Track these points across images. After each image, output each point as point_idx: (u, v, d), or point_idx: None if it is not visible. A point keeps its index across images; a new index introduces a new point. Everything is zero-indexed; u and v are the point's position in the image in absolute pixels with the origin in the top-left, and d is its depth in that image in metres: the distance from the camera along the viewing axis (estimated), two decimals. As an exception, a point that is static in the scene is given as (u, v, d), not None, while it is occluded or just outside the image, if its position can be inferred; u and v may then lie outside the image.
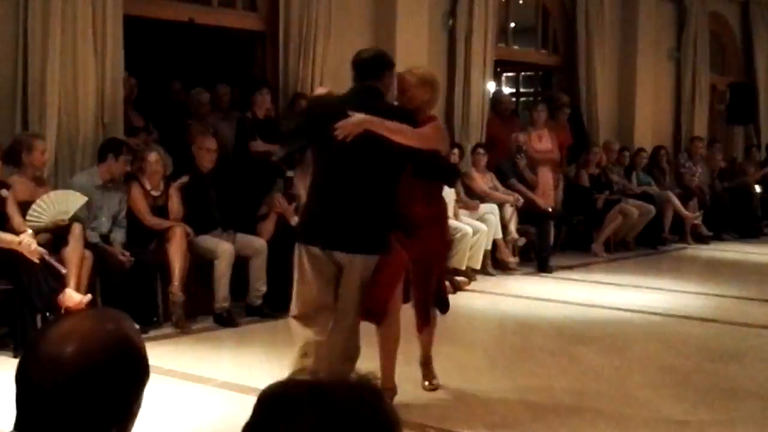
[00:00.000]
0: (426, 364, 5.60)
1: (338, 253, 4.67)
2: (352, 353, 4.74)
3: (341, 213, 4.66)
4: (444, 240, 5.55)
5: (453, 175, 5.34)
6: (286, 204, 7.81)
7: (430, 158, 4.87)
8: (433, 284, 5.33)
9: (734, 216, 13.86)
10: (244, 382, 5.46)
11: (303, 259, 4.75)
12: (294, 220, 7.77)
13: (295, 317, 4.85)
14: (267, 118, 8.37)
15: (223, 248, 7.21)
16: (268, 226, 7.74)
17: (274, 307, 7.43)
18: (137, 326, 6.43)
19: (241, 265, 7.38)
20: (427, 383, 5.54)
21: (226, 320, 7.14)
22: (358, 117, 4.60)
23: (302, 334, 4.78)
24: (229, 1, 8.83)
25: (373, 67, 4.88)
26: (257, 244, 7.47)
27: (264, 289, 7.43)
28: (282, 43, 8.75)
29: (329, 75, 9.02)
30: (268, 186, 7.99)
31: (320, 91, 5.18)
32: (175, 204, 7.29)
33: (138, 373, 1.67)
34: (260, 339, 6.76)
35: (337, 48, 9.19)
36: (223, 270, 7.16)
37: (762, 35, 16.60)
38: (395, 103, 5.09)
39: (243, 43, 9.92)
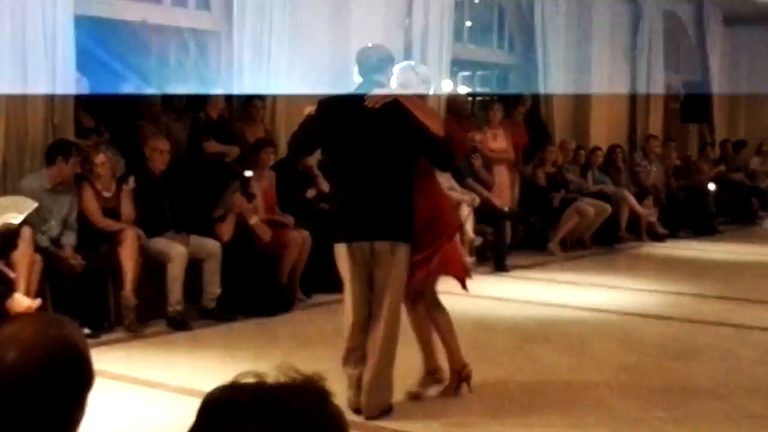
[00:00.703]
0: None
1: (379, 243, 4.90)
2: (396, 332, 5.02)
3: (373, 205, 4.90)
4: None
5: (450, 161, 5.34)
6: (246, 204, 7.72)
7: (436, 140, 5.02)
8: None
9: (689, 214, 13.99)
10: (198, 386, 5.37)
11: (344, 259, 4.98)
12: (254, 219, 7.71)
13: (350, 325, 5.08)
14: (221, 118, 8.29)
15: (176, 251, 7.11)
16: (228, 227, 7.65)
17: (229, 309, 7.37)
18: (87, 331, 6.35)
19: (194, 267, 7.29)
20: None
21: (179, 324, 7.04)
22: (387, 90, 4.94)
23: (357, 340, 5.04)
24: (182, 1, 8.73)
25: (377, 62, 5.14)
26: (211, 246, 7.38)
27: (218, 291, 7.35)
28: (236, 43, 8.66)
29: (284, 74, 8.95)
30: (222, 187, 7.90)
31: (309, 110, 5.22)
32: (126, 206, 7.18)
33: (81, 379, 1.64)
34: (214, 342, 6.68)
35: (292, 47, 9.13)
36: (176, 273, 7.07)
37: (715, 34, 16.79)
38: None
39: (196, 43, 9.79)
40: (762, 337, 7.13)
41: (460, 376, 5.37)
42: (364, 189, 4.93)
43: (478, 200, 10.23)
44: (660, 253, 12.24)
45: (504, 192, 10.70)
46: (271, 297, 7.62)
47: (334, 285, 8.47)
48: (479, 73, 14.10)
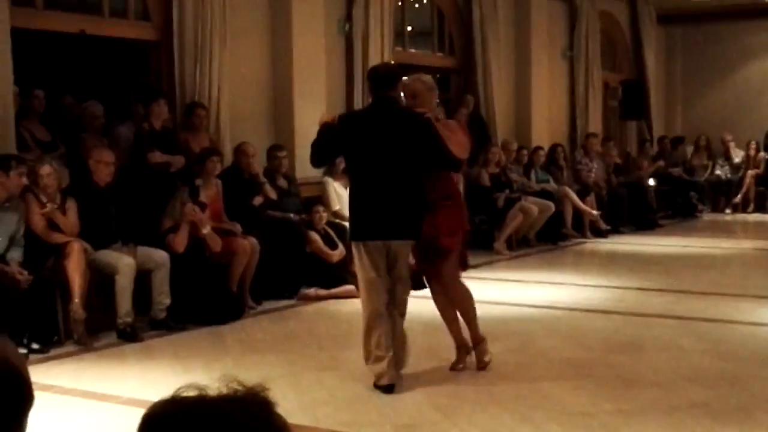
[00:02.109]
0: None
1: (395, 242, 5.52)
2: (401, 321, 5.71)
3: (390, 208, 5.49)
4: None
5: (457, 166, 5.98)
6: (200, 213, 7.71)
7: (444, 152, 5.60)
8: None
9: (631, 209, 14.23)
10: (150, 397, 5.33)
11: (363, 257, 5.53)
12: (207, 229, 7.70)
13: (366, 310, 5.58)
14: (164, 128, 8.27)
15: (123, 262, 7.09)
16: (181, 237, 7.62)
17: (179, 319, 7.37)
18: (36, 346, 6.28)
19: (143, 278, 7.27)
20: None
21: (129, 335, 7.02)
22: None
23: (371, 323, 5.55)
24: (121, 12, 8.69)
25: (388, 79, 5.68)
26: (158, 256, 7.37)
27: (168, 301, 7.34)
28: (177, 53, 8.65)
29: (227, 82, 8.96)
30: (168, 197, 7.88)
31: (327, 117, 5.88)
32: (70, 219, 7.13)
33: (20, 398, 1.59)
34: (165, 353, 6.67)
35: (233, 55, 9.14)
36: (124, 284, 7.04)
37: (650, 33, 17.09)
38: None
39: (137, 54, 9.76)
40: (704, 327, 7.30)
41: (480, 347, 6.05)
42: (383, 193, 5.50)
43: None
44: (603, 249, 12.44)
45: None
46: (221, 305, 7.62)
47: (284, 292, 8.56)
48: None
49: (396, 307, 5.66)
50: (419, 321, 7.77)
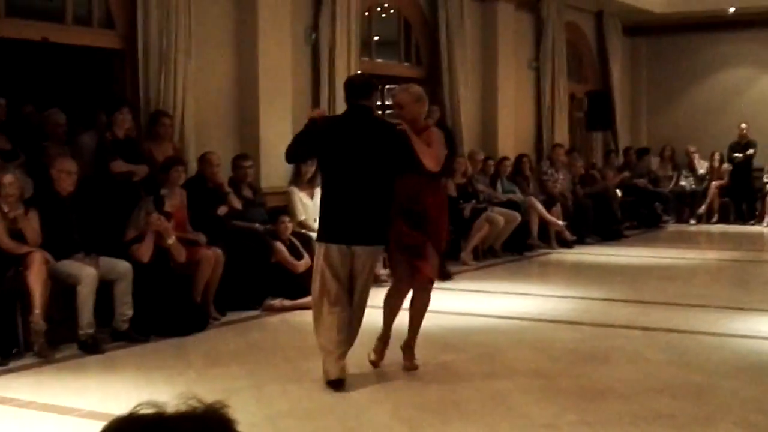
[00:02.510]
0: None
1: (358, 247, 5.72)
2: (358, 323, 5.94)
3: (356, 214, 5.70)
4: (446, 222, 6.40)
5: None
6: (166, 223, 7.63)
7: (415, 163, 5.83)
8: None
9: (596, 220, 14.29)
10: (112, 410, 5.29)
11: (324, 257, 5.77)
12: (172, 239, 7.62)
13: (318, 305, 5.84)
14: (128, 137, 8.18)
15: (85, 273, 6.99)
16: (147, 248, 7.53)
17: (142, 330, 7.28)
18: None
19: (105, 289, 7.17)
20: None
21: (91, 347, 6.91)
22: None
23: (322, 318, 5.81)
24: (85, 19, 8.60)
25: (363, 89, 5.95)
26: (121, 267, 7.27)
27: (130, 313, 7.25)
28: (141, 61, 8.57)
29: (192, 91, 8.89)
30: (131, 207, 7.79)
31: (317, 112, 6.21)
32: (32, 228, 7.02)
33: None
34: (128, 364, 6.58)
35: (199, 64, 9.08)
36: (86, 295, 6.94)
37: (615, 44, 17.21)
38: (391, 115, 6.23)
39: (101, 62, 9.67)
40: (669, 338, 7.32)
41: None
42: (351, 199, 5.72)
43: (389, 213, 10.27)
44: (569, 260, 12.47)
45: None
46: (185, 316, 7.54)
47: (249, 302, 8.49)
48: (387, 86, 14.17)
49: (354, 310, 5.87)
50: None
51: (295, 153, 6.13)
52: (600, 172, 15.62)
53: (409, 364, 6.26)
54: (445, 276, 6.42)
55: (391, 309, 6.27)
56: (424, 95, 6.20)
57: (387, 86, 14.25)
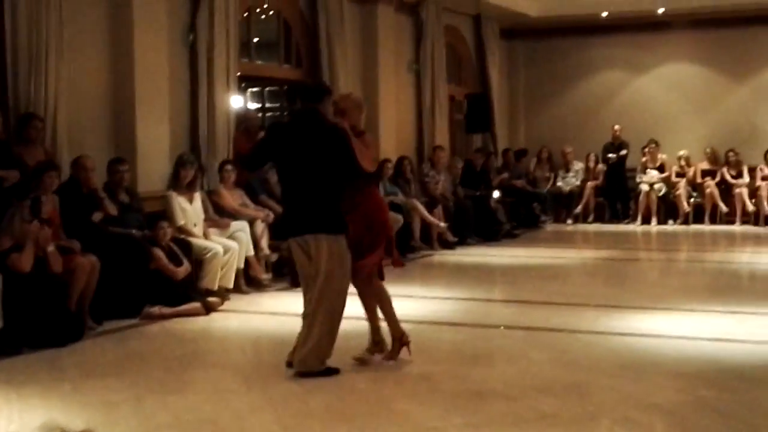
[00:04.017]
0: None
1: (309, 236, 6.16)
2: (341, 311, 6.34)
3: (306, 206, 6.20)
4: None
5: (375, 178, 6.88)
6: (46, 231, 7.33)
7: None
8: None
9: (476, 221, 14.45)
10: (-21, 427, 5.05)
11: (293, 254, 6.35)
12: (51, 247, 7.34)
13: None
14: (-3, 140, 7.86)
15: (-49, 283, 6.67)
16: (28, 257, 7.21)
17: (13, 342, 6.98)
18: None
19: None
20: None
21: (-42, 361, 6.61)
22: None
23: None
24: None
25: (314, 93, 6.47)
26: (-11, 277, 6.97)
27: (0, 324, 6.94)
28: (10, 62, 8.23)
29: (64, 93, 8.61)
30: (1, 214, 7.47)
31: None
32: None
33: None
34: (-3, 379, 6.30)
35: (71, 65, 8.80)
36: (-48, 307, 6.63)
37: (493, 47, 17.45)
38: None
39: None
40: (550, 338, 7.42)
41: (401, 341, 6.63)
42: (301, 194, 6.21)
43: (272, 216, 10.18)
44: (451, 261, 12.57)
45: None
46: (59, 326, 7.27)
47: (126, 311, 8.26)
48: (268, 88, 14.05)
49: (313, 307, 6.23)
50: (267, 338, 7.64)
51: (251, 159, 6.70)
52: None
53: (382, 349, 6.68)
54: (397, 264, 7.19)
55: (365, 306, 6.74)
56: (363, 102, 6.83)
57: (267, 88, 14.14)
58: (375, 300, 6.70)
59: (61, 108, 8.58)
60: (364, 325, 6.76)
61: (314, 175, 6.19)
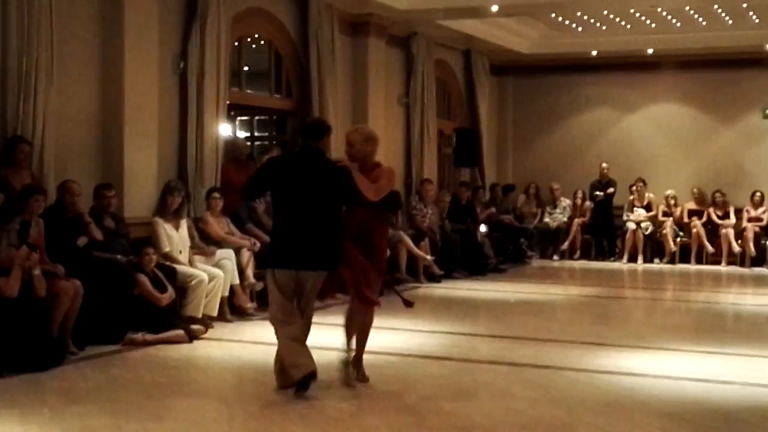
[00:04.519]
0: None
1: (306, 272, 6.40)
2: (307, 333, 6.60)
3: (304, 242, 6.38)
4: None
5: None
6: (34, 255, 7.28)
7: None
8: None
9: (463, 255, 14.44)
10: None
11: (273, 279, 6.47)
12: (37, 271, 7.28)
13: (273, 321, 6.57)
14: (-16, 164, 7.82)
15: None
16: (15, 280, 7.16)
17: (-7, 366, 6.91)
18: None
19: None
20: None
21: (-64, 384, 6.52)
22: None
23: (282, 331, 6.48)
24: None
25: (316, 131, 6.68)
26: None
27: (-19, 347, 6.87)
28: (-1, 86, 8.23)
29: (53, 118, 8.58)
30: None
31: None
32: None
33: None
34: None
35: (61, 90, 8.78)
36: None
37: (483, 82, 17.53)
38: (344, 154, 6.73)
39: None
40: (534, 374, 7.38)
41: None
42: (298, 229, 6.38)
43: (258, 245, 10.14)
44: (437, 294, 12.54)
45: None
46: (41, 350, 7.20)
47: (109, 336, 8.19)
48: (258, 117, 14.06)
49: (305, 322, 6.53)
50: (250, 368, 7.58)
51: (252, 189, 6.89)
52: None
53: (361, 377, 6.81)
54: (408, 304, 7.31)
55: (349, 328, 6.90)
56: (374, 135, 6.80)
57: (256, 117, 14.15)
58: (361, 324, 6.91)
59: (49, 132, 8.55)
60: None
61: (314, 210, 6.39)
